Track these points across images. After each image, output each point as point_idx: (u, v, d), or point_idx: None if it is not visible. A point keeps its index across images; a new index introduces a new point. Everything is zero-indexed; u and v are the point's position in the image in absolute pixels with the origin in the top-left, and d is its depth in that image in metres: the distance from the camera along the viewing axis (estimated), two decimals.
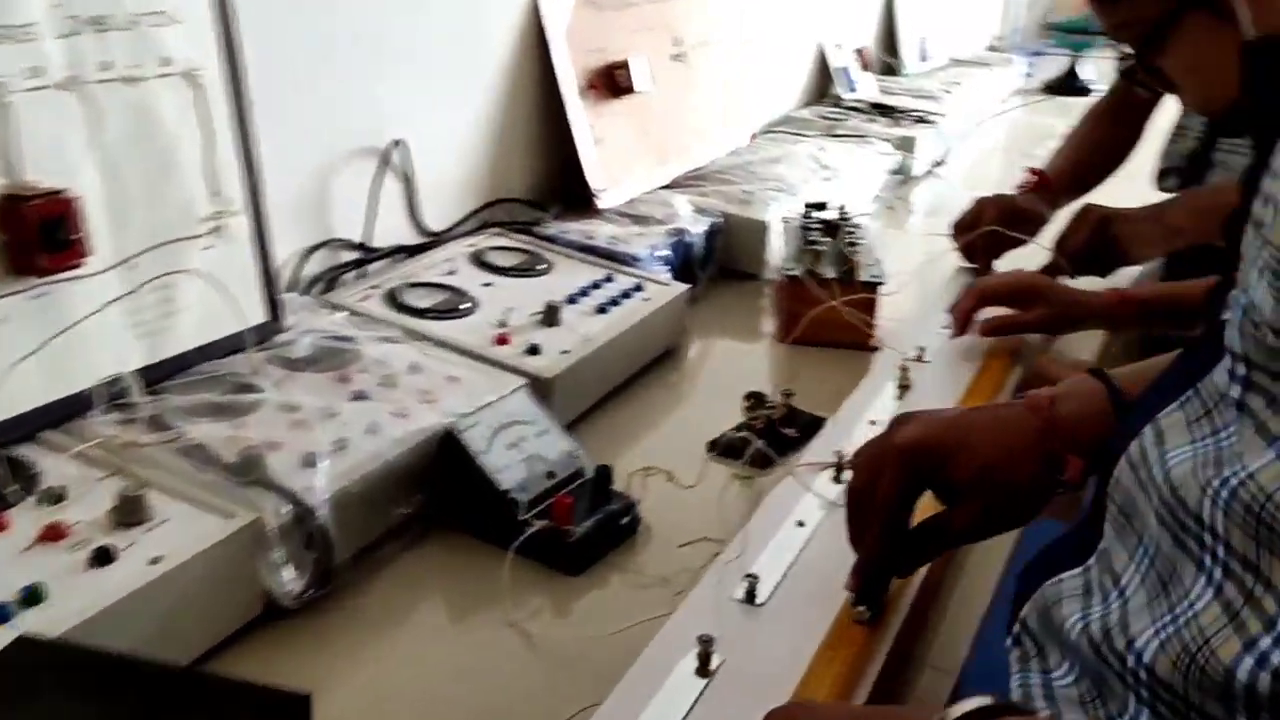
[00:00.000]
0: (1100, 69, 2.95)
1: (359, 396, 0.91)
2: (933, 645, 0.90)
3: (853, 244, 1.29)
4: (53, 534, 0.70)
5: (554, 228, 1.32)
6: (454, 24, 1.25)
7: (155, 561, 0.69)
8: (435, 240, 1.25)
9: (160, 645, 0.68)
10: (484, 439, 0.87)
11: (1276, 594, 0.41)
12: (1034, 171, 1.51)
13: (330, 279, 1.14)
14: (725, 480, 0.96)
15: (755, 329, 1.37)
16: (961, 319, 1.18)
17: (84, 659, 0.59)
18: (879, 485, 0.74)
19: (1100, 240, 1.29)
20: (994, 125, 2.60)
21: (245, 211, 0.95)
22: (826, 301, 1.20)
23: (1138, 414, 0.55)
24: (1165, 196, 1.42)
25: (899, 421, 0.77)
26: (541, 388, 0.98)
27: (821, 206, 1.39)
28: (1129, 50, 0.96)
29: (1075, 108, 2.79)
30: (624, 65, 1.42)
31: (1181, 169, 1.55)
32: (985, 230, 1.34)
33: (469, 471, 0.86)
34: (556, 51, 1.35)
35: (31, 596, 0.65)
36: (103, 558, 0.69)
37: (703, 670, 0.67)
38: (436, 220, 1.27)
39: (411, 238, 1.24)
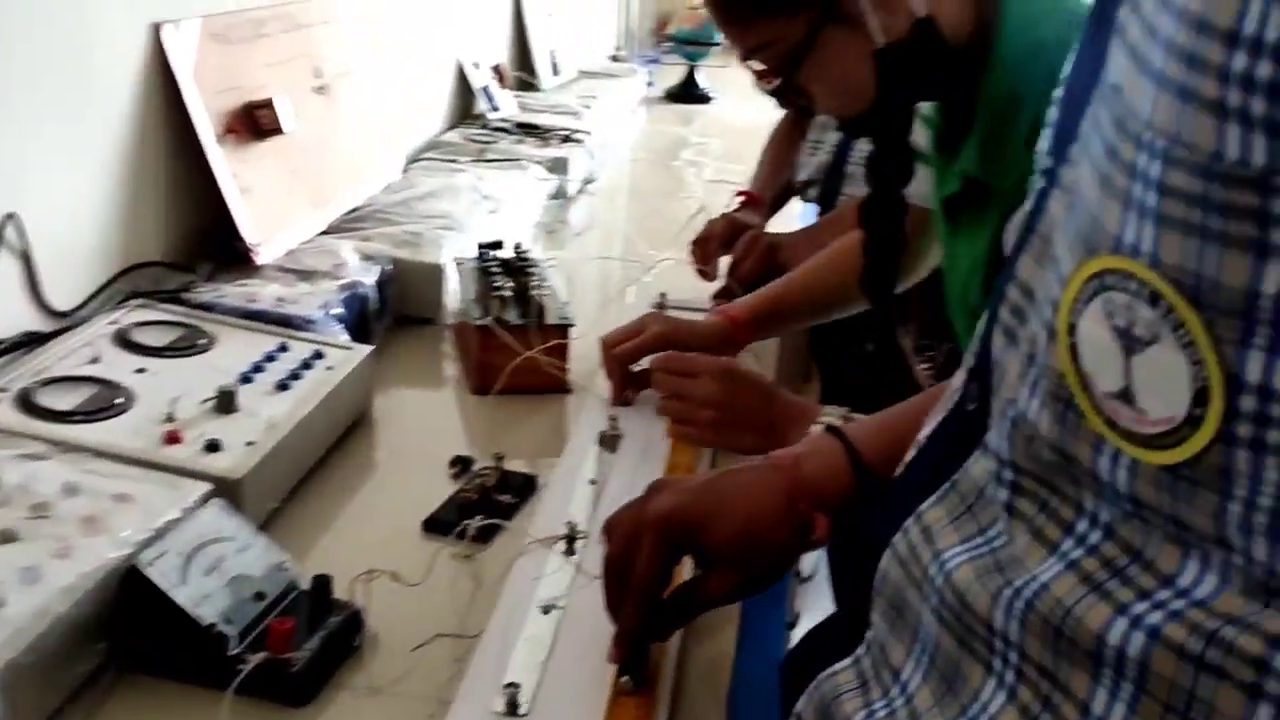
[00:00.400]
0: (715, 77, 3.13)
1: (5, 538, 0.76)
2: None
3: (535, 285, 1.25)
4: None
5: (209, 293, 1.18)
6: (58, 72, 1.08)
7: None
8: (67, 323, 1.08)
9: None
10: (175, 569, 0.75)
11: (1075, 701, 0.42)
12: (743, 193, 1.66)
13: None
14: (448, 563, 0.90)
15: (442, 379, 1.31)
16: (618, 390, 1.18)
17: None
18: (637, 557, 0.73)
19: (769, 264, 1.36)
20: (628, 134, 2.68)
21: None
22: (519, 351, 1.17)
23: (895, 501, 0.55)
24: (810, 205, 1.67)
25: (653, 490, 0.76)
26: (230, 491, 0.87)
27: (497, 245, 1.35)
28: (760, 68, 0.98)
29: (697, 114, 2.97)
30: (266, 104, 1.30)
31: (820, 180, 1.67)
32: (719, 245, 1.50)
33: (163, 610, 0.74)
34: (188, 94, 1.20)
35: None
36: None
37: None
38: (64, 298, 1.10)
39: (37, 323, 1.06)
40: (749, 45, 0.97)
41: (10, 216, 1.01)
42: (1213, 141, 0.34)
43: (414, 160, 1.84)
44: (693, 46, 3.07)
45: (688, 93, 3.11)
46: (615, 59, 3.38)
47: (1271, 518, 0.36)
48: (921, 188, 1.01)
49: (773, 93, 1.01)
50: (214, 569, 0.78)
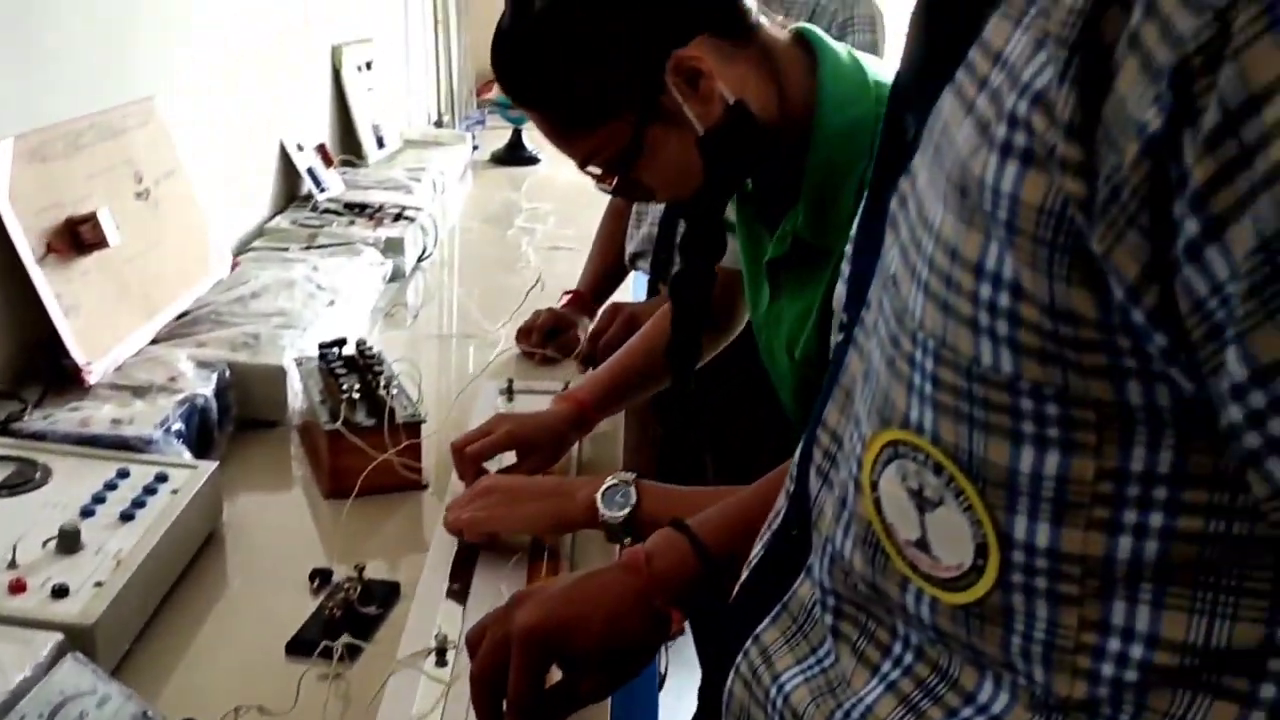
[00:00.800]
0: (541, 138, 3.18)
1: None
2: None
3: (382, 383, 1.26)
4: None
5: (39, 420, 1.14)
6: None
7: None
8: None
9: None
10: None
11: None
12: (569, 292, 1.75)
13: None
14: (316, 686, 0.90)
15: (291, 483, 1.30)
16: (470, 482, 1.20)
17: None
18: (510, 670, 0.75)
19: (628, 331, 1.44)
20: (458, 201, 2.70)
21: None
22: (372, 455, 1.17)
23: (734, 621, 0.60)
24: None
25: (516, 603, 0.79)
26: (82, 638, 0.85)
27: (340, 343, 1.35)
28: (596, 173, 1.04)
29: (526, 176, 3.01)
30: (89, 218, 1.27)
31: (649, 251, 1.75)
32: (541, 335, 1.62)
33: None
34: (5, 218, 1.17)
35: None
36: None
37: None
38: None
39: None
40: (581, 156, 1.02)
41: None
42: (971, 350, 0.40)
43: (242, 250, 1.82)
44: (516, 111, 3.10)
45: (514, 155, 3.14)
46: (439, 125, 3.40)
47: (1045, 648, 0.42)
48: (730, 255, 1.10)
49: (613, 191, 1.07)
50: None
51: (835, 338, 0.57)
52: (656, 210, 1.73)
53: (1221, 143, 0.31)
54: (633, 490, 1.01)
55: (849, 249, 0.56)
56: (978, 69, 0.42)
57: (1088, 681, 0.41)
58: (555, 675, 0.81)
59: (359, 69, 2.57)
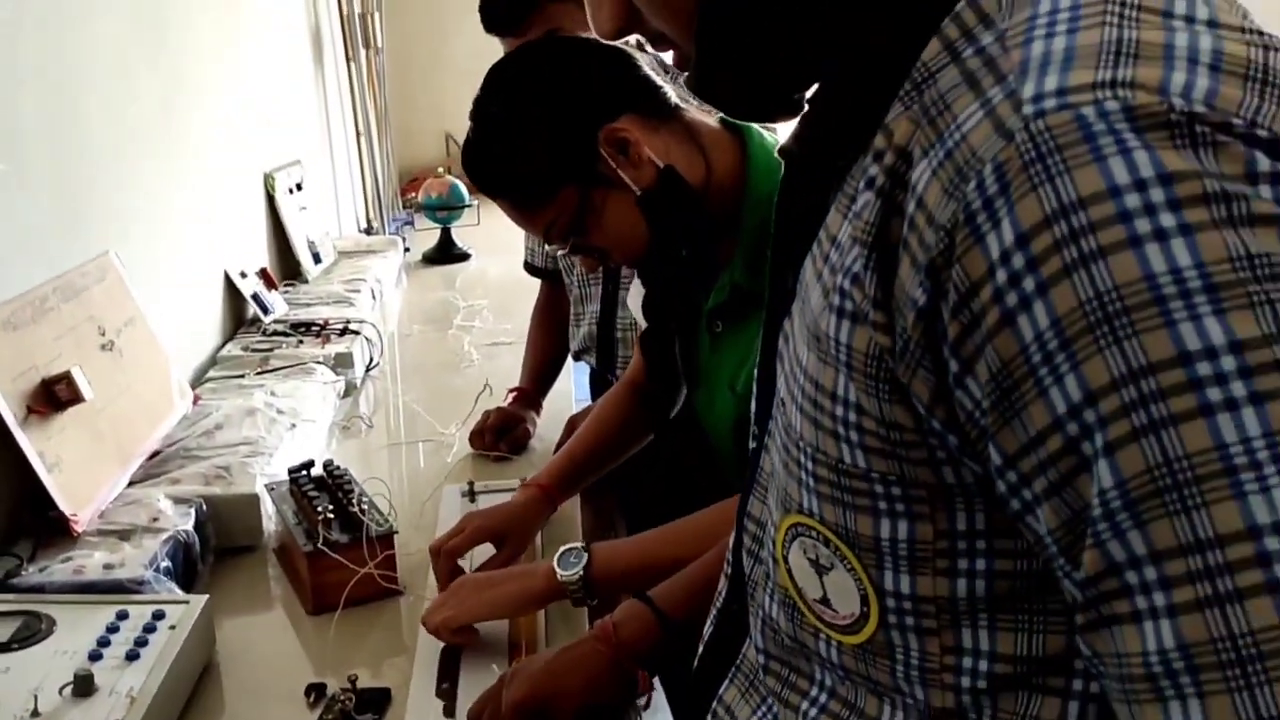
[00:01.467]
0: (469, 235, 3.31)
1: None
2: None
3: (353, 499, 1.36)
4: None
5: (36, 574, 1.22)
6: None
7: None
8: None
9: None
10: None
11: None
12: (513, 390, 1.88)
13: None
14: None
15: (273, 602, 1.38)
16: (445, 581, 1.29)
17: None
18: None
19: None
20: (396, 303, 2.81)
21: None
22: (352, 570, 1.27)
23: (699, 687, 0.72)
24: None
25: (504, 681, 0.90)
26: None
27: (309, 465, 1.45)
28: (557, 245, 1.22)
29: (458, 273, 3.13)
30: (64, 378, 1.36)
31: (592, 347, 1.87)
32: (493, 435, 1.75)
33: None
34: None
35: None
36: None
37: None
38: None
39: None
40: (539, 228, 1.21)
41: None
42: (836, 453, 0.54)
43: (199, 381, 1.91)
44: (443, 211, 3.23)
45: (445, 253, 3.26)
46: (368, 231, 3.51)
47: (920, 671, 0.55)
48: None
49: (571, 253, 1.22)
50: None
51: (751, 445, 0.70)
52: (593, 310, 1.86)
53: (961, 312, 0.46)
54: (584, 552, 1.14)
55: (755, 376, 0.69)
56: (823, 246, 0.56)
57: (954, 694, 0.54)
58: None
59: (290, 191, 2.68)
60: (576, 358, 1.97)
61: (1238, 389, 0.40)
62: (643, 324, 1.34)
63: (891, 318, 0.49)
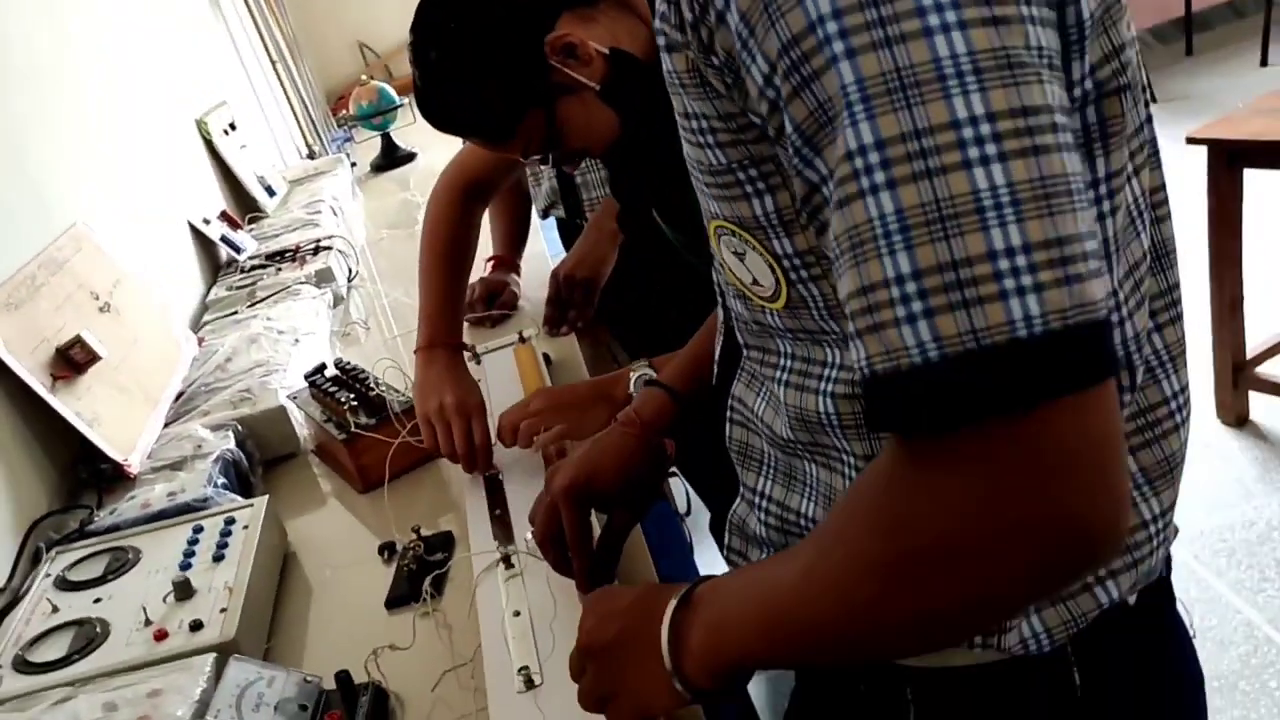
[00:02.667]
0: (409, 135, 3.33)
1: None
2: None
3: (370, 386, 1.46)
4: None
5: (109, 517, 1.33)
6: None
7: None
8: (8, 597, 1.21)
9: None
10: (233, 717, 0.94)
11: (839, 454, 0.71)
12: (493, 258, 1.94)
13: None
14: (422, 621, 1.11)
15: (324, 497, 1.49)
16: (508, 443, 1.32)
17: None
18: (565, 525, 0.99)
19: (583, 281, 1.71)
20: (358, 215, 2.86)
21: None
22: (388, 443, 1.37)
23: (717, 397, 0.84)
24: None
25: (552, 474, 1.01)
26: (230, 649, 1.05)
27: (321, 369, 1.54)
28: (536, 158, 1.24)
29: (410, 174, 3.17)
30: (76, 342, 1.44)
31: (556, 200, 1.95)
32: (483, 304, 1.83)
33: None
34: (10, 362, 1.34)
35: None
36: None
37: None
38: None
39: None
40: (519, 151, 1.23)
41: None
42: (707, 160, 0.66)
43: (198, 327, 1.99)
44: (378, 118, 3.25)
45: (392, 158, 3.30)
46: (311, 156, 3.53)
47: (829, 311, 0.67)
48: None
49: (556, 164, 1.27)
50: (259, 705, 0.97)
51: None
52: (548, 170, 1.93)
53: (705, 18, 0.59)
54: (650, 369, 1.21)
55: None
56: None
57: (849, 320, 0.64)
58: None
59: (225, 132, 2.71)
60: (545, 215, 2.04)
61: (951, 17, 0.50)
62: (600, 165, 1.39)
63: (687, 36, 0.61)
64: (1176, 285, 0.72)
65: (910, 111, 0.50)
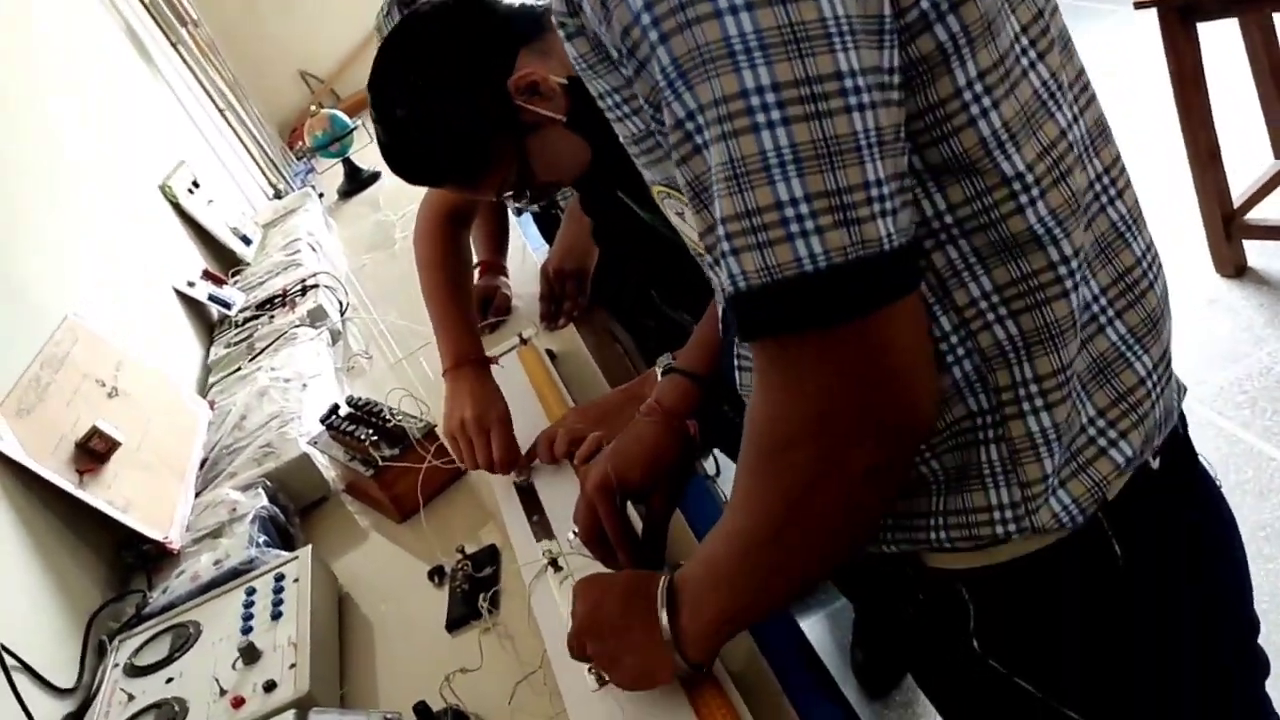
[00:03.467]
0: (370, 155, 3.33)
1: None
2: None
3: (386, 417, 1.48)
4: None
5: (161, 597, 1.35)
6: None
7: None
8: (82, 696, 1.24)
9: None
10: None
11: None
12: (477, 264, 1.94)
13: None
14: (485, 638, 1.14)
15: (365, 534, 1.52)
16: (546, 459, 1.32)
17: None
18: (603, 520, 1.02)
19: (573, 272, 1.73)
20: (336, 246, 2.87)
21: None
22: (416, 469, 1.39)
23: (726, 359, 0.87)
24: None
25: (584, 474, 1.03)
26: (307, 702, 1.08)
27: (335, 410, 1.56)
28: (510, 197, 1.25)
29: (379, 194, 3.16)
30: (93, 433, 1.46)
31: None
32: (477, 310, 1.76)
33: None
34: (35, 468, 1.36)
35: None
36: None
37: None
38: (63, 677, 1.26)
39: (60, 709, 1.22)
40: (490, 194, 1.24)
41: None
42: (628, 131, 0.72)
43: (203, 392, 2.00)
44: (335, 144, 3.25)
45: (357, 181, 3.29)
46: (278, 195, 3.53)
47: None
48: None
49: (532, 201, 1.28)
50: None
51: None
52: None
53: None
54: (672, 359, 1.20)
55: None
56: None
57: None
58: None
59: (190, 191, 2.71)
60: (519, 212, 2.05)
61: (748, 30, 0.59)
62: None
63: (577, 15, 0.70)
64: (1116, 160, 0.78)
65: (710, 83, 0.60)
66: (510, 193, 1.23)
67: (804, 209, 0.60)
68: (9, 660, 1.17)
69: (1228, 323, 2.66)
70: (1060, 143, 0.71)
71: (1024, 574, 0.79)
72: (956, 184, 0.68)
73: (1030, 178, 0.69)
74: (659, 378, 1.23)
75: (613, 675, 0.90)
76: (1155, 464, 0.79)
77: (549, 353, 1.65)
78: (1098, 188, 0.76)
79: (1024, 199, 0.69)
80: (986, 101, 0.67)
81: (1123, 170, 0.79)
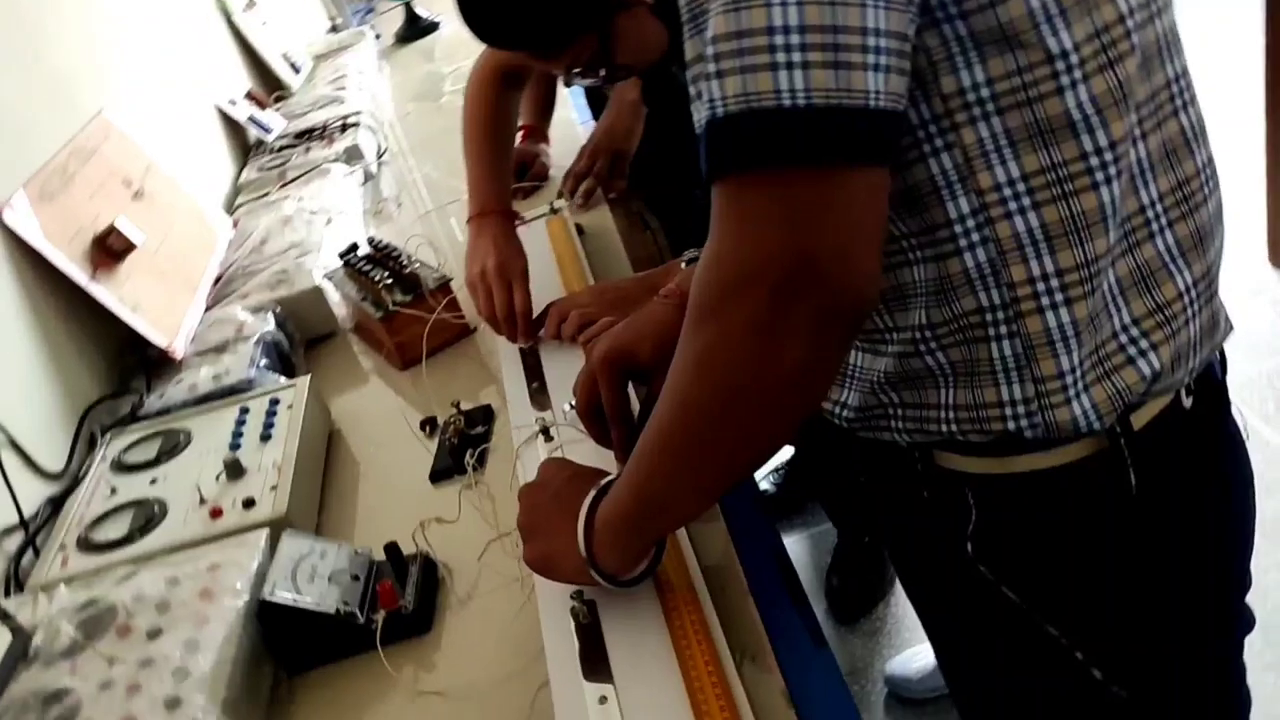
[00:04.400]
0: (432, 4, 3.25)
1: (154, 633, 0.97)
2: None
3: (405, 264, 1.46)
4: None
5: (156, 401, 1.36)
6: None
7: None
8: (68, 481, 1.26)
9: None
10: (290, 588, 0.98)
11: None
12: (522, 128, 1.88)
13: (11, 574, 1.13)
14: (467, 494, 1.14)
15: (366, 375, 1.51)
16: (553, 334, 1.31)
17: None
18: (603, 394, 1.00)
19: (611, 153, 1.71)
20: (385, 89, 2.82)
21: None
22: (424, 319, 1.38)
23: None
24: None
25: (591, 345, 1.02)
26: (282, 524, 1.09)
27: (355, 249, 1.54)
28: (581, 80, 1.20)
29: (435, 44, 3.10)
30: (111, 230, 1.45)
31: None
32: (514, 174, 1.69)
33: (298, 619, 0.97)
34: (51, 255, 1.36)
35: None
36: None
37: (585, 616, 0.87)
38: (53, 461, 1.27)
39: (46, 490, 1.24)
40: (565, 69, 1.19)
41: None
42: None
43: (231, 210, 1.99)
44: None
45: (415, 29, 3.22)
46: (334, 29, 3.47)
47: None
48: None
49: (604, 83, 1.23)
50: (314, 576, 1.00)
51: None
52: None
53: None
54: (695, 251, 1.19)
55: None
56: None
57: None
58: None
59: (245, 9, 2.66)
60: (569, 83, 2.00)
61: None
62: None
63: None
64: (1185, 71, 0.76)
65: None
66: (580, 70, 1.18)
67: (795, 39, 0.58)
68: (4, 439, 1.19)
69: (1270, 315, 2.60)
70: (1115, 28, 0.68)
71: (1033, 488, 0.79)
72: (998, 56, 0.65)
73: (1075, 58, 0.66)
74: (682, 268, 1.21)
75: (525, 549, 0.90)
76: (1188, 402, 0.79)
77: (578, 227, 1.62)
78: (1174, 89, 0.74)
79: (1065, 80, 0.66)
80: None
81: (1191, 82, 0.77)
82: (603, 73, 1.18)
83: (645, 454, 0.75)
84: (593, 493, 0.82)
